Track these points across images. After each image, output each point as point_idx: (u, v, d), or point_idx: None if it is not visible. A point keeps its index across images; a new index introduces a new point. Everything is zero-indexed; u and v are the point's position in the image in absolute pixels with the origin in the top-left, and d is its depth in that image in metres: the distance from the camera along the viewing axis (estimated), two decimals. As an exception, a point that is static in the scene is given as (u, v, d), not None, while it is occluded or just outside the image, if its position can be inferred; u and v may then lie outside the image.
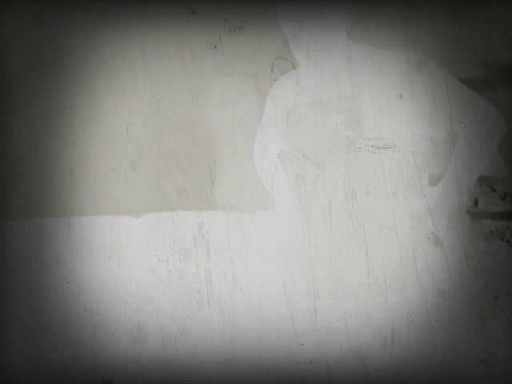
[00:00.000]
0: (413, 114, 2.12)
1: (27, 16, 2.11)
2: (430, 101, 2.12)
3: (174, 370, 2.11)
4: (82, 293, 2.11)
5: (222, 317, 2.11)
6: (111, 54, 2.11)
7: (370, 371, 2.11)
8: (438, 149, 2.12)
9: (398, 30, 2.12)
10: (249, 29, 2.11)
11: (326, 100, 2.12)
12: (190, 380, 2.11)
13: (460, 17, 2.12)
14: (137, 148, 2.12)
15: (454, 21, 2.12)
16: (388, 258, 2.11)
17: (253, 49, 2.11)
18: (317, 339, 2.11)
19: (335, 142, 2.11)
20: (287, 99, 2.12)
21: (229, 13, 2.11)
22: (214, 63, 2.11)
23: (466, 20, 2.13)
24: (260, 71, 2.12)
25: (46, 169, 2.11)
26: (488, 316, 2.11)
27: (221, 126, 2.12)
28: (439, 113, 2.12)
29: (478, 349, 2.11)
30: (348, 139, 2.12)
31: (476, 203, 2.12)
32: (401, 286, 2.11)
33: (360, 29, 2.11)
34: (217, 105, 2.12)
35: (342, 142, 2.11)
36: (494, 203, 2.12)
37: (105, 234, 2.11)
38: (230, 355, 2.11)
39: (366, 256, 2.11)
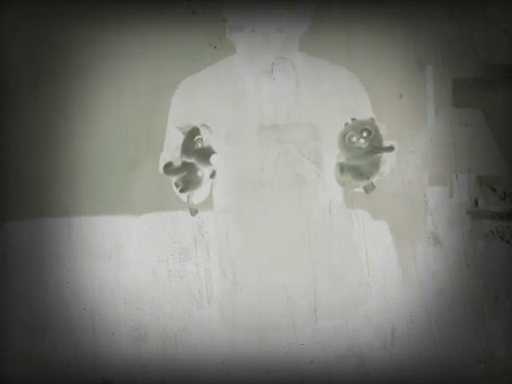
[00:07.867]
0: (413, 114, 2.12)
1: (27, 16, 2.10)
2: (429, 101, 2.12)
3: (174, 369, 2.11)
4: (81, 293, 2.11)
5: (222, 317, 2.11)
6: (111, 54, 2.11)
7: (369, 371, 2.11)
8: (438, 149, 2.12)
9: (398, 30, 2.12)
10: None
11: (326, 99, 2.12)
12: (190, 380, 2.11)
13: (460, 17, 2.12)
14: (137, 148, 2.12)
15: (454, 21, 2.12)
16: (388, 258, 2.11)
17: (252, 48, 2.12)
18: (317, 339, 2.11)
19: (335, 142, 2.12)
20: (287, 98, 2.12)
21: (228, 13, 2.11)
22: (214, 63, 2.11)
23: (466, 20, 2.13)
24: (260, 71, 2.12)
25: (46, 169, 2.11)
26: (488, 316, 2.11)
27: (221, 126, 2.12)
28: (439, 113, 2.12)
29: (478, 349, 2.11)
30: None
31: (476, 203, 2.12)
32: (401, 286, 2.11)
33: (360, 28, 2.11)
34: (217, 105, 2.12)
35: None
36: (494, 203, 2.12)
37: (105, 234, 2.11)
38: (230, 355, 2.11)
39: (365, 256, 2.11)
